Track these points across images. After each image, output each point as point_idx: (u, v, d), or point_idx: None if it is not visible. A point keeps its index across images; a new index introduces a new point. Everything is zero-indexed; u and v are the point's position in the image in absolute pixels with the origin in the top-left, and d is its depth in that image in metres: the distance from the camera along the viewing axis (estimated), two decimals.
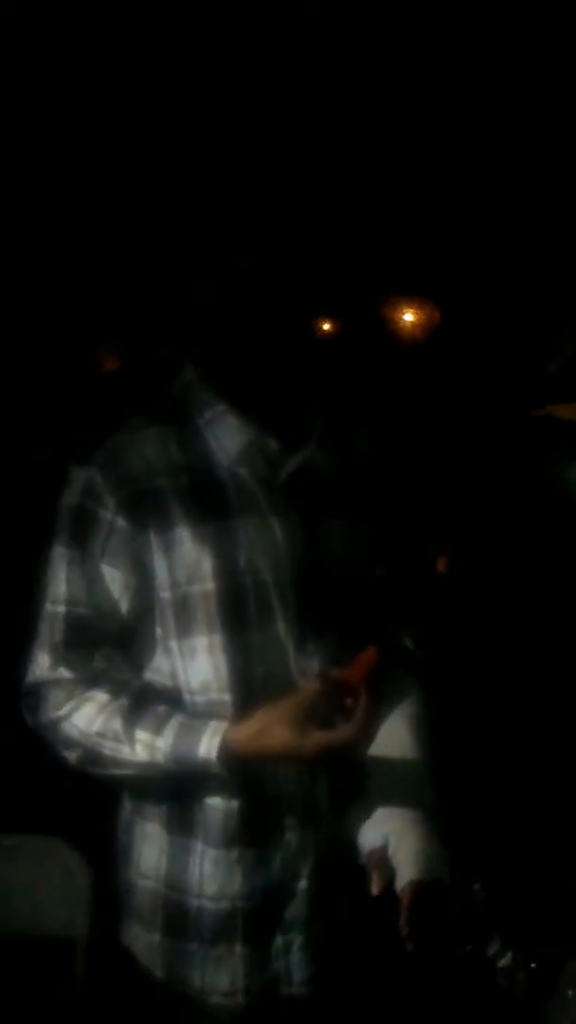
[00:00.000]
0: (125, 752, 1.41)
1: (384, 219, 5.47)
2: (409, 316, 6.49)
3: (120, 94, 4.27)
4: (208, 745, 1.38)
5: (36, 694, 1.47)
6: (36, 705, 1.47)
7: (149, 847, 1.51)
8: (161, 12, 3.96)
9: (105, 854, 1.61)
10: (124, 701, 1.43)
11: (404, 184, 5.28)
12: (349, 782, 1.48)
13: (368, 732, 1.38)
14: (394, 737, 1.50)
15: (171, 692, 1.45)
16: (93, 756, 1.44)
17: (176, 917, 1.49)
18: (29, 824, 2.01)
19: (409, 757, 1.49)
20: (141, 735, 1.40)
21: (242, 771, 1.39)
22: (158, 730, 1.40)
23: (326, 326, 5.96)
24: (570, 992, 1.46)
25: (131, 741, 1.41)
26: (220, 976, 1.48)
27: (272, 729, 1.35)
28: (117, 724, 1.42)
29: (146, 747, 1.40)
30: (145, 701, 1.43)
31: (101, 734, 1.42)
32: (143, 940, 1.53)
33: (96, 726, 1.42)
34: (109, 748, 1.42)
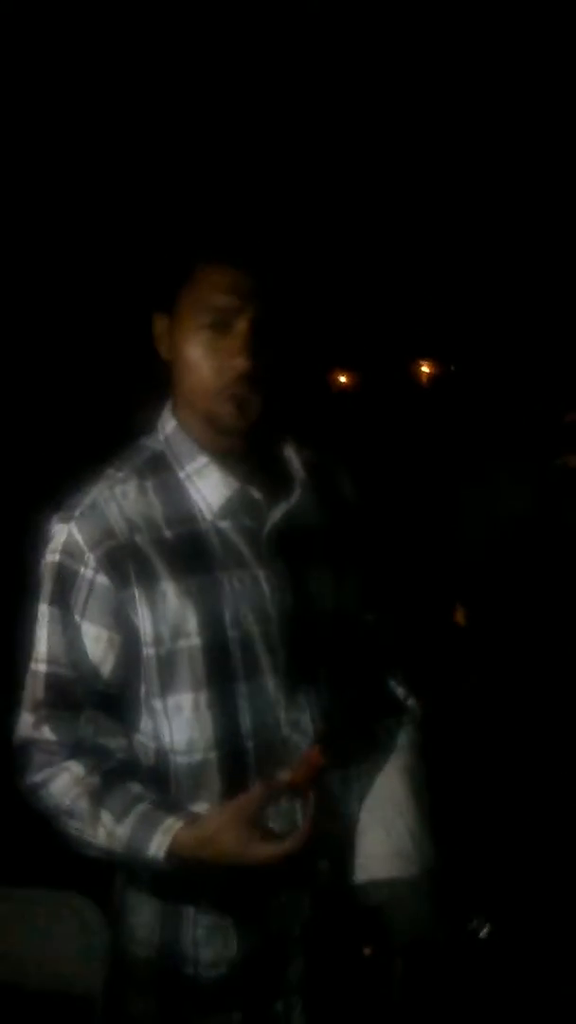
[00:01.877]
0: (88, 834, 1.38)
1: (400, 277, 5.52)
2: (425, 369, 6.53)
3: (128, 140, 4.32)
4: (158, 844, 1.34)
5: (21, 754, 1.45)
6: (21, 766, 1.45)
7: (142, 915, 1.48)
8: (164, 25, 4.01)
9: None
10: (96, 779, 1.39)
11: (420, 241, 5.34)
12: (343, 841, 1.46)
13: (315, 840, 1.33)
14: (387, 792, 1.47)
15: (156, 755, 1.42)
16: (63, 831, 1.41)
17: (172, 986, 1.46)
18: (45, 878, 1.99)
19: (404, 813, 1.46)
20: (105, 818, 1.37)
21: (191, 872, 1.36)
22: (120, 817, 1.37)
23: (343, 379, 6.02)
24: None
25: (95, 823, 1.37)
26: None
27: (219, 836, 1.32)
28: (84, 804, 1.38)
29: (108, 834, 1.37)
30: (120, 777, 1.40)
31: (69, 812, 1.39)
32: (138, 1007, 1.49)
33: (67, 801, 1.39)
34: (75, 828, 1.39)
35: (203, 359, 1.41)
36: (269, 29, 3.93)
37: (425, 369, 6.51)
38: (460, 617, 5.07)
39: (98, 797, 1.38)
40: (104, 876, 1.59)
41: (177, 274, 1.43)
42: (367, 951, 1.40)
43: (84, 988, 1.81)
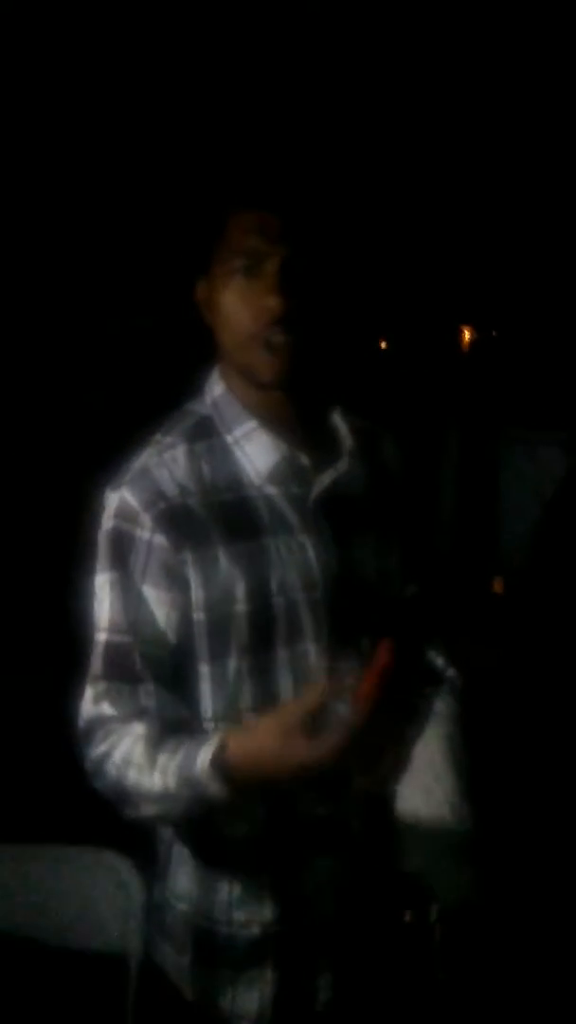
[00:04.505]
0: (145, 782, 1.36)
1: (442, 243, 5.46)
2: (467, 335, 6.47)
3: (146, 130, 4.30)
4: (204, 754, 1.32)
5: (84, 733, 1.44)
6: (85, 747, 1.43)
7: (183, 870, 1.49)
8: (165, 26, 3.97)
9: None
10: (155, 729, 1.38)
11: (462, 208, 5.27)
12: (380, 806, 1.45)
13: (364, 749, 1.31)
14: (426, 759, 1.46)
15: (199, 719, 1.42)
16: (121, 792, 1.39)
17: (206, 943, 1.48)
18: (82, 835, 2.00)
19: (442, 780, 1.45)
20: (161, 759, 1.35)
21: (239, 791, 1.33)
22: (174, 752, 1.35)
23: (383, 344, 5.97)
24: None
25: (152, 768, 1.36)
26: (249, 1001, 1.46)
27: (261, 732, 1.31)
28: (141, 749, 1.37)
29: (161, 773, 1.35)
30: (177, 728, 1.39)
31: (127, 761, 1.37)
32: (173, 961, 1.52)
33: (127, 754, 1.38)
34: (132, 779, 1.37)
35: (236, 305, 1.39)
36: None
37: (467, 335, 6.45)
38: (498, 586, 5.06)
39: (156, 741, 1.37)
40: (141, 835, 1.60)
41: (210, 228, 1.41)
42: (407, 917, 1.39)
43: (119, 946, 1.82)
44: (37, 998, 1.99)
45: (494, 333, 5.81)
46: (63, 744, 1.51)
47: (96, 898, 1.88)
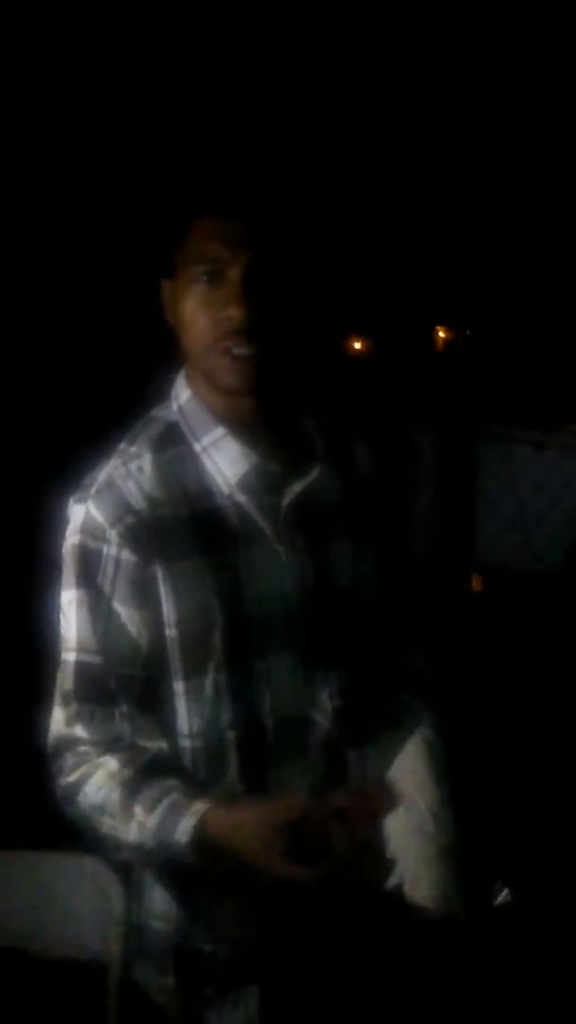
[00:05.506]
0: (120, 832, 1.35)
1: (416, 242, 5.46)
2: (441, 334, 6.48)
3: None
4: (184, 828, 1.30)
5: (56, 755, 1.41)
6: (57, 769, 1.41)
7: (161, 889, 1.47)
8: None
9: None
10: (131, 772, 1.36)
11: (437, 205, 5.28)
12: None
13: (340, 875, 1.29)
14: (407, 769, 1.46)
15: (176, 737, 1.40)
16: (96, 834, 1.39)
17: (189, 963, 1.45)
18: (60, 840, 1.99)
19: (424, 789, 1.45)
20: (137, 811, 1.34)
21: (212, 864, 1.31)
22: (152, 807, 1.33)
23: (357, 345, 5.97)
24: None
25: (127, 818, 1.34)
26: (235, 1021, 1.45)
27: (244, 825, 1.28)
28: (116, 796, 1.35)
29: (139, 825, 1.34)
30: (155, 771, 1.36)
31: (102, 808, 1.35)
32: (156, 982, 1.49)
33: (101, 796, 1.36)
34: (107, 826, 1.36)
35: (198, 313, 1.37)
36: None
37: (441, 335, 6.46)
38: (477, 584, 5.07)
39: (132, 789, 1.35)
40: None
41: (173, 232, 1.40)
42: (387, 929, 1.39)
43: (99, 954, 1.81)
44: (16, 1006, 1.98)
45: (468, 333, 5.83)
46: (37, 749, 1.49)
47: (76, 905, 1.87)
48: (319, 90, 4.41)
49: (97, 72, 4.08)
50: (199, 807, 1.32)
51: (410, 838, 1.41)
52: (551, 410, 5.29)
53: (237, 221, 1.36)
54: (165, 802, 1.33)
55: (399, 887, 1.40)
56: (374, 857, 1.39)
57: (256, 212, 1.38)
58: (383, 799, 1.32)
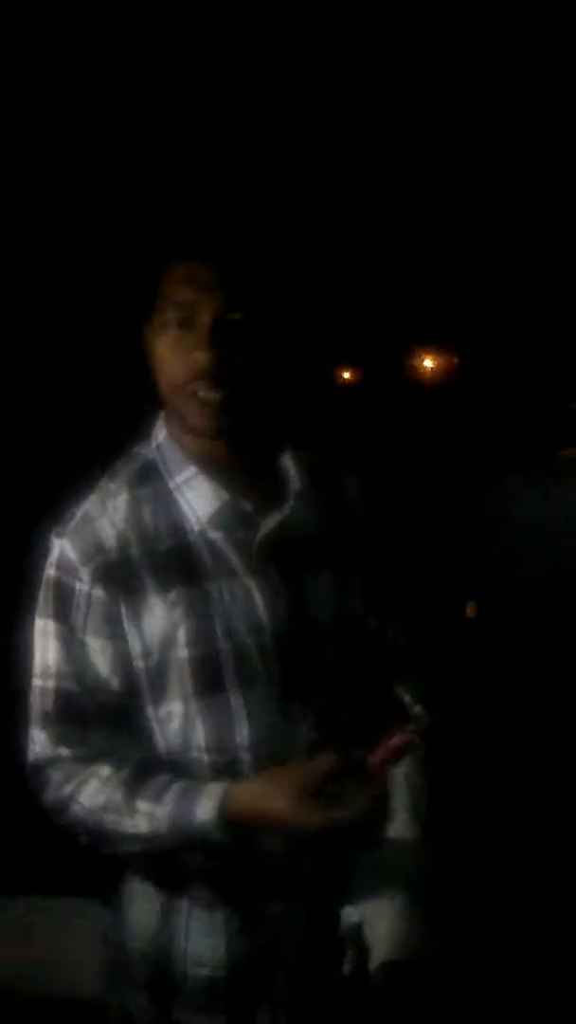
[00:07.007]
0: (127, 825, 1.37)
1: (401, 271, 5.49)
2: (428, 363, 6.50)
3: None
4: (205, 807, 1.33)
5: (39, 775, 1.43)
6: (41, 787, 1.43)
7: (140, 907, 1.48)
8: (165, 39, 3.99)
9: None
10: (126, 772, 1.39)
11: (424, 235, 5.31)
12: (341, 855, 1.44)
13: (370, 817, 1.32)
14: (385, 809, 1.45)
15: (166, 759, 1.42)
16: (98, 833, 1.40)
17: (163, 981, 1.46)
18: (62, 885, 1.98)
19: (399, 830, 1.45)
20: (142, 805, 1.36)
21: (239, 837, 1.34)
22: (158, 799, 1.35)
23: (346, 375, 6.02)
24: None
25: (132, 812, 1.36)
26: None
27: (274, 795, 1.30)
28: (119, 796, 1.37)
29: (147, 818, 1.36)
30: (148, 771, 1.39)
31: (104, 808, 1.38)
32: (137, 1001, 1.50)
33: (101, 799, 1.38)
34: (111, 822, 1.37)
35: (169, 356, 1.38)
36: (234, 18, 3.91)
37: (428, 363, 6.49)
38: (471, 611, 5.07)
39: (132, 787, 1.37)
40: (118, 882, 1.59)
41: (149, 278, 1.41)
42: (347, 967, 1.38)
43: (98, 996, 1.80)
44: None
45: (456, 360, 5.86)
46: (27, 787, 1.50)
47: (76, 947, 1.87)
48: (293, 128, 4.45)
49: (78, 118, 4.12)
50: (215, 787, 1.34)
51: (377, 875, 1.42)
52: (543, 436, 5.32)
53: (207, 265, 1.36)
54: (173, 790, 1.36)
55: (358, 926, 1.39)
56: (381, 806, 1.39)
57: (226, 256, 1.38)
58: (402, 740, 1.32)
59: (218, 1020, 1.44)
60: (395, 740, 1.32)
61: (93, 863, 1.57)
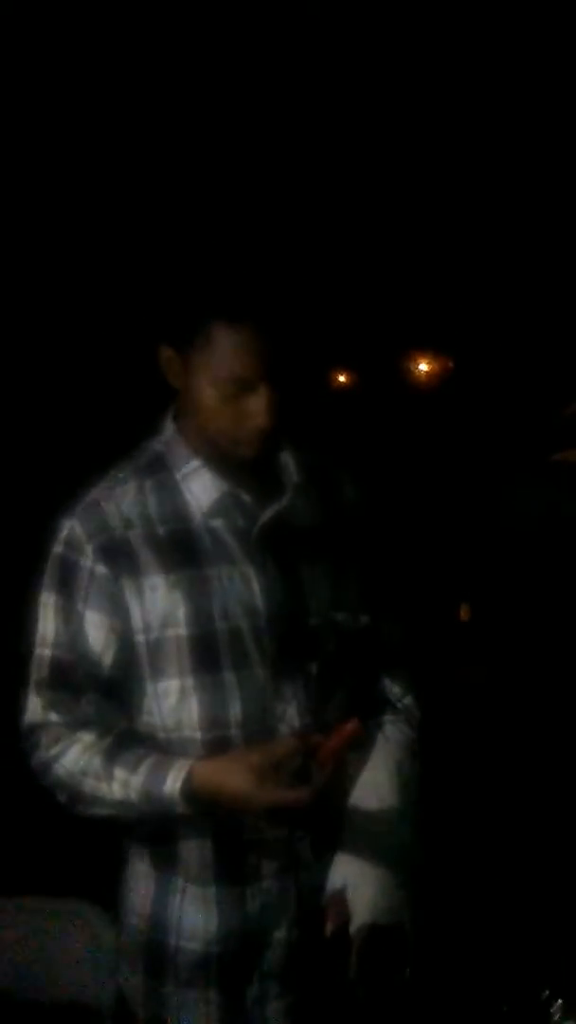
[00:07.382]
0: (103, 790, 1.45)
1: (398, 275, 5.51)
2: (423, 366, 6.52)
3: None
4: (173, 779, 1.40)
5: (30, 737, 1.52)
6: (31, 748, 1.51)
7: (137, 884, 1.54)
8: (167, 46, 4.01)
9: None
10: (108, 741, 1.47)
11: (420, 240, 5.33)
12: (330, 832, 1.48)
13: (323, 800, 1.37)
14: (372, 783, 1.50)
15: (153, 732, 1.49)
16: (76, 794, 1.47)
17: (156, 957, 1.52)
18: (55, 886, 1.99)
19: (385, 803, 1.49)
20: (119, 773, 1.44)
21: (206, 810, 1.41)
22: (134, 769, 1.43)
23: (342, 378, 6.03)
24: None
25: (109, 779, 1.44)
26: (194, 1022, 1.50)
27: (232, 771, 1.37)
28: (98, 762, 1.45)
29: (122, 785, 1.43)
30: (128, 742, 1.47)
31: (83, 772, 1.46)
32: (130, 981, 1.55)
33: (82, 763, 1.46)
34: (89, 786, 1.45)
35: (223, 411, 1.45)
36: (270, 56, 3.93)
37: (423, 367, 6.50)
38: (464, 613, 5.08)
39: (111, 754, 1.45)
40: (113, 883, 1.61)
41: (191, 325, 1.45)
42: (328, 930, 1.42)
43: (94, 999, 1.81)
44: None
45: (451, 364, 5.88)
46: (29, 788, 1.54)
47: (68, 949, 1.87)
48: (294, 129, 4.47)
49: (118, 138, 4.13)
50: (183, 762, 1.42)
51: (361, 845, 1.46)
52: (538, 439, 5.33)
53: (265, 336, 1.43)
54: (148, 761, 1.44)
55: (342, 891, 1.43)
56: (341, 785, 1.45)
57: (280, 321, 1.45)
58: (352, 728, 1.38)
59: (209, 994, 1.50)
60: (347, 727, 1.37)
61: (92, 863, 1.59)
